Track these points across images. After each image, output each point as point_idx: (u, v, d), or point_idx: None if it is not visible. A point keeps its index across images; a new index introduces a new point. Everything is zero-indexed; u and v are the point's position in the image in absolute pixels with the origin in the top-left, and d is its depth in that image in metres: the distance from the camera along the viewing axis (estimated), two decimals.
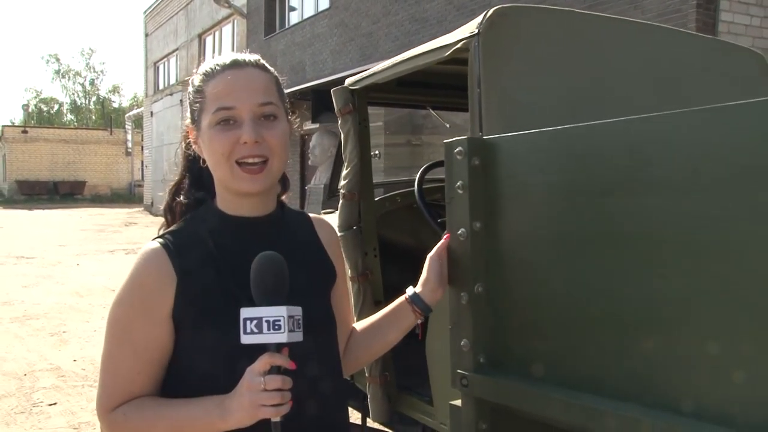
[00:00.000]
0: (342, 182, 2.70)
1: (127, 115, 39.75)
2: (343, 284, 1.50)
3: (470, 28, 2.00)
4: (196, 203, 1.37)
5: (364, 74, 2.61)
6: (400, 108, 3.65)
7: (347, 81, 2.70)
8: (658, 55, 2.31)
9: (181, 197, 1.37)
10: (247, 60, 1.32)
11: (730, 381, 1.08)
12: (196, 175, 1.39)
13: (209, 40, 24.49)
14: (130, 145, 35.63)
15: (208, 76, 1.31)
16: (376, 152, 3.05)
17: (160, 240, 1.31)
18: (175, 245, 1.29)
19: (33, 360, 6.28)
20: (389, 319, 1.49)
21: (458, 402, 1.52)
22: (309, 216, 1.50)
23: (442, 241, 1.47)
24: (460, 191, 1.53)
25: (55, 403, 5.11)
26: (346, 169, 2.67)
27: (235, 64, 1.30)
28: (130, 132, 35.76)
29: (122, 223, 22.76)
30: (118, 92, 66.68)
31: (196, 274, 1.27)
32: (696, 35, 2.94)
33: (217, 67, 1.31)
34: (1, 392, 5.35)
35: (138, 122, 34.03)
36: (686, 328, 1.17)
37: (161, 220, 1.44)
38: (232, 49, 21.61)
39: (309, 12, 17.05)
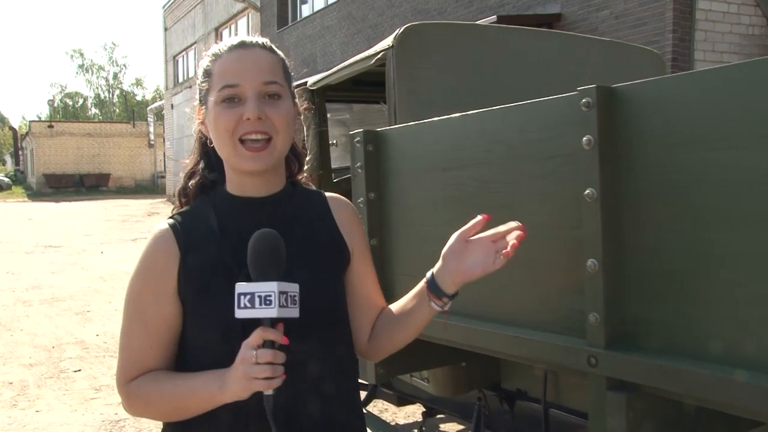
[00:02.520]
0: (305, 166, 3.23)
1: (148, 108, 40.56)
2: (364, 263, 1.44)
3: (388, 42, 2.52)
4: (210, 185, 1.38)
5: (319, 76, 3.14)
6: (357, 104, 4.14)
7: (309, 82, 3.23)
8: (556, 58, 2.79)
9: (195, 179, 1.39)
10: (254, 41, 1.33)
11: None
12: (208, 157, 1.40)
13: (226, 33, 25.08)
14: (152, 137, 36.48)
15: (216, 56, 1.32)
16: (334, 141, 3.54)
17: (169, 220, 1.34)
18: (181, 224, 1.33)
19: (60, 335, 6.94)
20: (410, 307, 1.38)
21: None
22: (325, 195, 1.48)
23: (474, 221, 1.31)
24: (359, 170, 2.06)
25: (79, 370, 5.75)
26: (309, 155, 3.20)
27: (242, 45, 1.31)
28: (152, 124, 36.61)
29: (145, 213, 23.54)
30: (141, 85, 67.83)
31: (197, 252, 1.30)
32: (597, 39, 3.39)
33: (225, 48, 1.32)
34: (33, 361, 6.01)
35: (159, 115, 34.84)
36: None
37: None
38: None
39: (319, 5, 17.54)
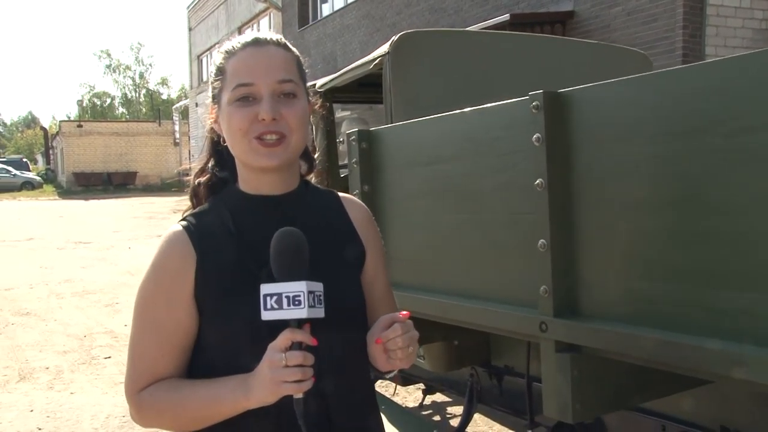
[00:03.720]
0: (314, 162, 3.50)
1: (174, 106, 41.17)
2: (378, 265, 1.41)
3: (384, 48, 2.76)
4: (220, 183, 1.36)
5: (327, 79, 3.40)
6: (362, 104, 4.39)
7: (317, 84, 3.49)
8: (544, 61, 3.00)
9: (205, 177, 1.36)
10: (268, 38, 1.30)
11: None
12: (218, 157, 1.37)
13: (248, 32, 25.45)
14: (177, 135, 37.04)
15: (230, 54, 1.29)
16: (341, 139, 3.78)
17: (182, 222, 1.30)
18: (196, 226, 1.28)
19: (91, 325, 7.30)
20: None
21: None
22: (338, 195, 1.46)
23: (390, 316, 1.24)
24: (355, 165, 2.31)
25: (109, 357, 6.09)
26: (318, 152, 3.47)
27: (256, 42, 1.28)
28: (177, 123, 37.17)
29: (170, 210, 24.02)
30: (167, 84, 68.69)
31: (214, 254, 1.25)
32: (585, 42, 3.59)
33: (238, 45, 1.28)
34: (67, 348, 6.37)
35: (185, 113, 35.44)
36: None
37: None
38: None
39: (339, 4, 17.81)
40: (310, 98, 1.35)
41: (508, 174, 1.73)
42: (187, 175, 1.41)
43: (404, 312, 1.24)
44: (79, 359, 6.02)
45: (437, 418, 4.33)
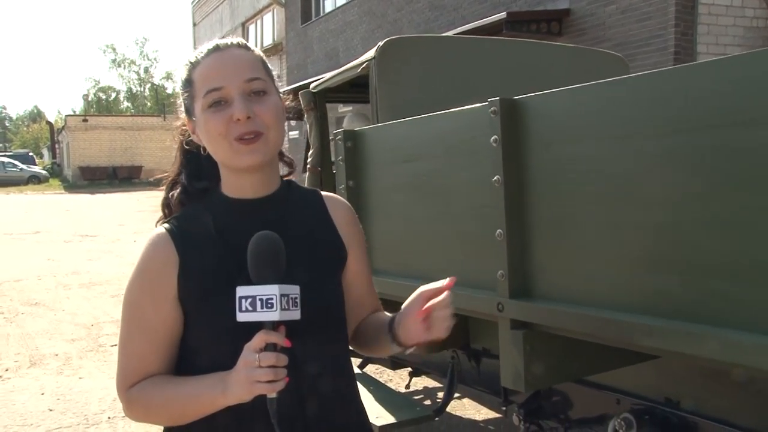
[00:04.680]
0: (309, 159, 3.72)
1: (178, 101, 41.32)
2: (359, 263, 1.44)
3: (371, 53, 2.97)
4: (197, 194, 1.37)
5: (320, 80, 3.61)
6: (355, 103, 4.60)
7: (311, 85, 3.70)
8: (524, 64, 3.21)
9: (177, 191, 1.37)
10: (229, 43, 1.32)
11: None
12: (193, 167, 1.39)
13: (252, 28, 25.69)
14: None
15: (194, 64, 1.31)
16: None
17: (166, 225, 1.33)
18: (178, 229, 1.31)
19: (98, 314, 7.54)
20: (381, 336, 1.36)
21: None
22: (321, 194, 1.47)
23: (439, 283, 1.26)
24: (341, 162, 2.52)
25: (115, 345, 6.30)
26: (312, 149, 3.68)
27: (217, 49, 1.30)
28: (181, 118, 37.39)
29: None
30: (171, 79, 68.82)
31: (196, 256, 1.28)
32: (564, 46, 3.79)
33: (201, 55, 1.31)
34: (75, 337, 6.61)
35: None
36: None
37: None
38: (273, 38, 22.96)
39: (341, 0, 17.99)
40: (281, 94, 1.35)
41: (471, 171, 1.94)
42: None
43: (450, 279, 1.25)
44: (86, 347, 6.27)
45: (423, 398, 4.57)
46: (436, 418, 3.38)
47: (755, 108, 1.29)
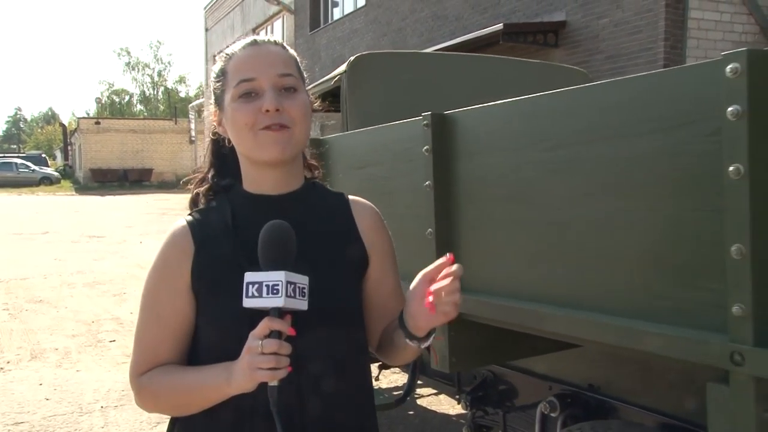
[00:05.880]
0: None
1: (190, 105, 41.84)
2: (383, 270, 1.43)
3: (342, 68, 3.21)
4: (222, 191, 1.39)
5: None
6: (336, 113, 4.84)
7: None
8: (488, 79, 3.43)
9: (204, 187, 1.41)
10: (266, 40, 1.35)
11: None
12: (220, 163, 1.41)
13: (262, 34, 26.04)
14: (193, 133, 37.73)
15: (230, 56, 1.34)
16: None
17: (188, 217, 1.36)
18: (198, 221, 1.35)
19: (99, 312, 7.82)
20: (397, 341, 1.33)
21: None
22: (347, 198, 1.48)
23: (438, 261, 1.26)
24: None
25: (114, 340, 6.60)
26: None
27: (255, 43, 1.34)
28: (193, 121, 37.84)
29: (184, 207, 24.03)
30: (185, 82, 69.55)
31: (210, 247, 1.31)
32: (528, 61, 4.00)
33: (238, 48, 1.34)
34: (75, 332, 6.89)
35: (200, 111, 36.12)
36: None
37: None
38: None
39: (349, 8, 18.30)
40: (311, 96, 1.39)
41: (409, 177, 2.17)
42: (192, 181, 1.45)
43: (449, 256, 1.24)
44: (86, 342, 6.54)
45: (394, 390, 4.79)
46: (399, 406, 3.60)
47: (622, 126, 1.51)
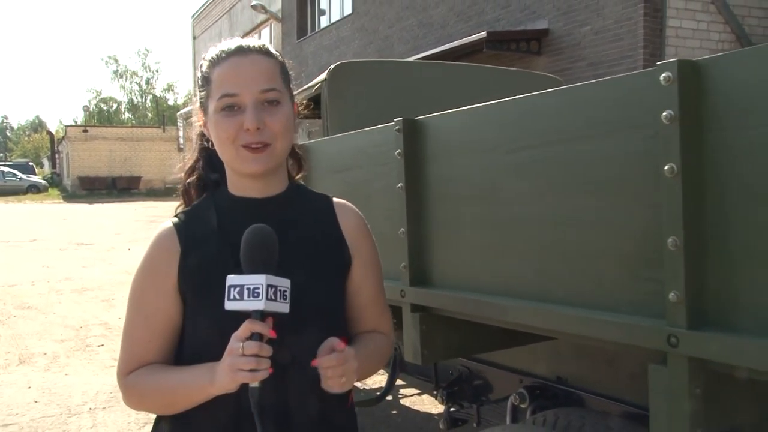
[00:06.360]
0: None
1: (178, 113, 41.79)
2: (364, 273, 1.45)
3: (323, 76, 3.33)
4: (212, 185, 1.41)
5: None
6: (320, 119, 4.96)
7: None
8: (467, 87, 3.56)
9: (194, 177, 1.43)
10: (252, 46, 1.33)
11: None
12: (208, 156, 1.43)
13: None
14: (181, 141, 37.68)
15: (214, 63, 1.33)
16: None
17: (173, 219, 1.38)
18: (184, 223, 1.37)
19: (87, 318, 7.88)
20: None
21: None
22: (332, 200, 1.50)
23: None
24: None
25: (102, 345, 6.66)
26: None
27: (240, 51, 1.32)
28: (181, 129, 37.79)
29: (172, 214, 24.56)
30: (173, 90, 69.41)
31: (197, 249, 1.33)
32: (505, 69, 4.14)
33: (223, 54, 1.32)
34: (64, 337, 6.95)
35: (189, 119, 36.16)
36: None
37: None
38: None
39: (336, 16, 18.46)
40: (295, 102, 1.40)
41: (383, 180, 2.29)
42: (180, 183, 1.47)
43: (341, 342, 1.26)
44: (74, 346, 6.60)
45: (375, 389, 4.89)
46: (380, 402, 3.70)
47: (577, 129, 1.63)
